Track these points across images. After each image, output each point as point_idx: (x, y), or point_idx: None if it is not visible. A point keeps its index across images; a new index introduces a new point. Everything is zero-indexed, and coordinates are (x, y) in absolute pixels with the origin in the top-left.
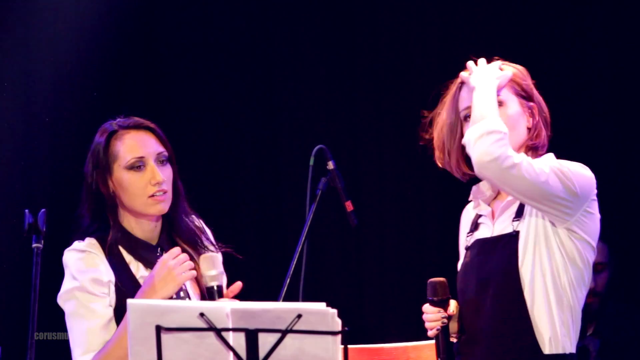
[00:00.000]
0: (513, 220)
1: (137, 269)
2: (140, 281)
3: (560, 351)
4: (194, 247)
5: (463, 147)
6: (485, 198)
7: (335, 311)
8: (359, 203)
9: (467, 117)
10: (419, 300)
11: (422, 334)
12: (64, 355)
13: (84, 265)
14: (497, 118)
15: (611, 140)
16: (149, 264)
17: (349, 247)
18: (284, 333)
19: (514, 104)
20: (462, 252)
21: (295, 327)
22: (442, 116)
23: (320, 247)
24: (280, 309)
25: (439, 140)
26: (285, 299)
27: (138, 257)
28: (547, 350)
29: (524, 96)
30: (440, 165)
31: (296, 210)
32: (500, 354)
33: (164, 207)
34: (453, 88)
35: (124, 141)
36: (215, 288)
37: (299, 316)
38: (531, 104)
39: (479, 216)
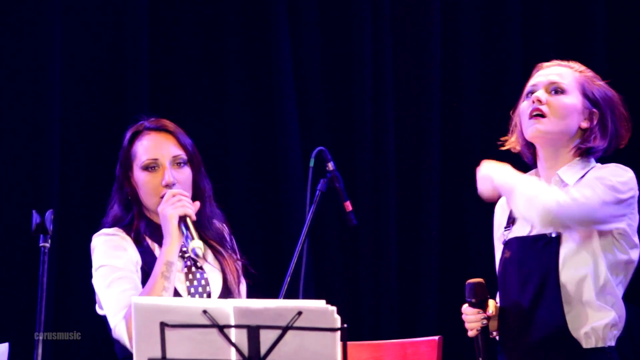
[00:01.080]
0: None
1: (158, 252)
2: None
3: (599, 345)
4: (221, 244)
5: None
6: None
7: (334, 308)
8: (358, 203)
9: (527, 94)
10: (417, 297)
11: (418, 331)
12: (72, 355)
13: (113, 247)
14: (521, 178)
15: None
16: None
17: (348, 246)
18: (285, 330)
19: (574, 98)
20: (499, 247)
21: (296, 324)
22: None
23: (319, 247)
24: (281, 307)
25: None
26: (286, 297)
27: (157, 240)
28: (585, 344)
29: (589, 98)
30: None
31: (296, 210)
32: (542, 349)
33: None
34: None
35: (143, 142)
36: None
37: (299, 313)
38: (594, 109)
39: None
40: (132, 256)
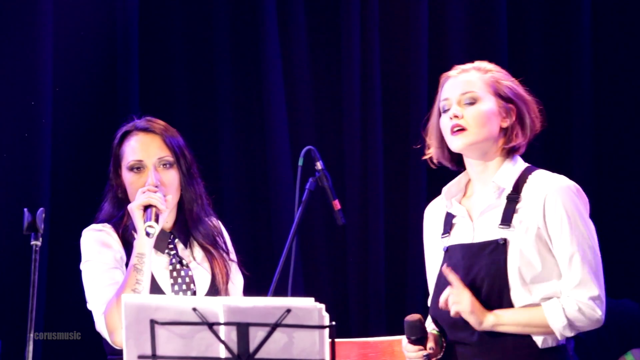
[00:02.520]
0: (500, 227)
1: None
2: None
3: (553, 344)
4: (214, 245)
5: (440, 134)
6: (457, 198)
7: (322, 306)
8: (346, 202)
9: (444, 109)
10: (404, 295)
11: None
12: (64, 355)
13: (98, 242)
14: (539, 313)
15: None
16: (160, 249)
17: (336, 244)
18: (274, 327)
19: (489, 102)
20: (436, 253)
21: (285, 322)
22: (433, 110)
23: (308, 245)
24: (270, 304)
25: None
26: (275, 295)
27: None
28: (541, 344)
29: (503, 97)
30: (435, 160)
31: (285, 209)
32: (499, 352)
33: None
34: (441, 79)
35: (130, 142)
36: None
37: (288, 311)
38: (509, 105)
39: (451, 216)
40: (116, 252)
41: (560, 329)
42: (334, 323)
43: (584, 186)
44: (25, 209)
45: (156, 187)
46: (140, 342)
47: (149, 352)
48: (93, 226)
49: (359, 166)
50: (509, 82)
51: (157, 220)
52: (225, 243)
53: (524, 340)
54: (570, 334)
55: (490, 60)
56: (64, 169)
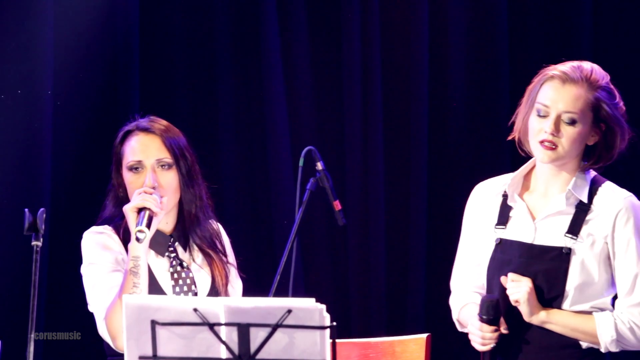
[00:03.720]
0: (567, 235)
1: (149, 254)
2: (150, 264)
3: (595, 345)
4: (212, 248)
5: (524, 129)
6: (517, 191)
7: (323, 307)
8: (347, 203)
9: (539, 111)
10: (405, 296)
11: (407, 329)
12: (64, 355)
13: (98, 245)
14: (590, 321)
15: None
16: (160, 251)
17: (337, 245)
18: (275, 328)
19: (585, 125)
20: (486, 240)
21: (285, 322)
22: (527, 91)
23: (309, 245)
24: (270, 305)
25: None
26: (276, 295)
27: (149, 245)
28: (584, 345)
29: (598, 117)
30: (515, 136)
31: (286, 209)
32: (543, 351)
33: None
34: (545, 72)
35: (130, 142)
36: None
37: (289, 311)
38: (601, 124)
39: (509, 208)
40: (117, 254)
41: (608, 342)
42: (334, 323)
43: None
44: (26, 210)
45: (153, 188)
46: (141, 343)
47: (149, 352)
48: (93, 228)
49: (360, 166)
50: (611, 104)
51: (149, 224)
52: (223, 247)
53: (569, 339)
54: (615, 349)
55: (490, 60)
56: (64, 170)
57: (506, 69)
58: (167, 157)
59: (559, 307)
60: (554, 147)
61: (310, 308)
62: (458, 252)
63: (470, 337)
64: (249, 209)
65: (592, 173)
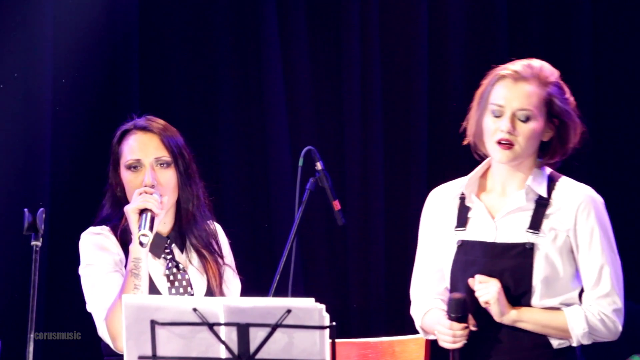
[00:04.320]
0: (528, 231)
1: (145, 257)
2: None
3: (567, 345)
4: (206, 248)
5: (479, 131)
6: (474, 191)
7: (323, 306)
8: (346, 203)
9: (494, 111)
10: (404, 296)
11: (406, 329)
12: (64, 355)
13: (96, 246)
14: (561, 316)
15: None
16: (157, 252)
17: (336, 244)
18: (274, 327)
19: (540, 120)
20: (446, 244)
21: (285, 322)
22: (476, 95)
23: (308, 245)
24: (270, 305)
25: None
26: (275, 295)
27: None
28: (555, 345)
29: (552, 112)
30: (468, 140)
31: (285, 209)
32: (510, 349)
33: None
34: (495, 73)
35: (128, 141)
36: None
37: (289, 311)
38: (554, 119)
39: (467, 209)
40: (114, 255)
41: (580, 336)
42: (334, 323)
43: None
44: (26, 209)
45: (152, 187)
46: (140, 343)
47: (149, 352)
48: (91, 229)
49: (359, 166)
50: (562, 98)
51: (152, 226)
52: (220, 247)
53: (540, 338)
54: (587, 341)
55: (490, 60)
56: (64, 170)
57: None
58: (165, 156)
59: (528, 304)
60: (510, 145)
61: (310, 308)
62: (416, 260)
63: (439, 336)
64: (249, 208)
65: (548, 170)
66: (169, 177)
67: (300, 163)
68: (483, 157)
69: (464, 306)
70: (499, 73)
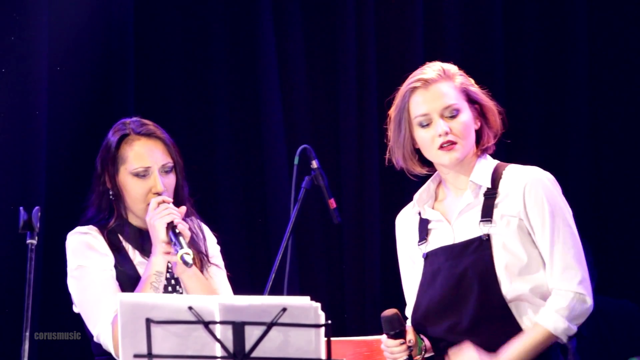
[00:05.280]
0: (481, 223)
1: (134, 255)
2: (138, 267)
3: (556, 342)
4: (196, 247)
5: (412, 146)
6: (429, 203)
7: (318, 305)
8: (342, 201)
9: (422, 123)
10: (400, 294)
11: None
12: (64, 355)
13: (86, 246)
14: (540, 330)
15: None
16: (146, 251)
17: (331, 243)
18: (270, 326)
19: (466, 110)
20: (414, 261)
21: (280, 320)
22: (392, 118)
23: (304, 244)
24: (265, 303)
25: (391, 141)
26: (271, 293)
27: (135, 245)
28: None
29: (471, 100)
30: (396, 165)
31: (281, 207)
32: (487, 351)
33: None
34: (403, 90)
35: (134, 148)
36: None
37: (284, 310)
38: (476, 106)
39: (426, 222)
40: (104, 256)
41: (565, 331)
42: (329, 322)
43: (581, 186)
44: (21, 208)
45: (159, 193)
46: (136, 341)
47: (144, 351)
48: (78, 229)
49: (355, 165)
50: (471, 84)
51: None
52: (206, 247)
53: (514, 335)
54: (573, 330)
55: (486, 59)
56: (59, 168)
57: (501, 68)
58: (170, 162)
59: (500, 297)
60: (453, 144)
61: (305, 306)
62: (402, 284)
63: (385, 354)
64: (244, 207)
65: (494, 161)
66: (172, 181)
67: (296, 161)
68: (421, 180)
69: (398, 322)
70: (408, 87)
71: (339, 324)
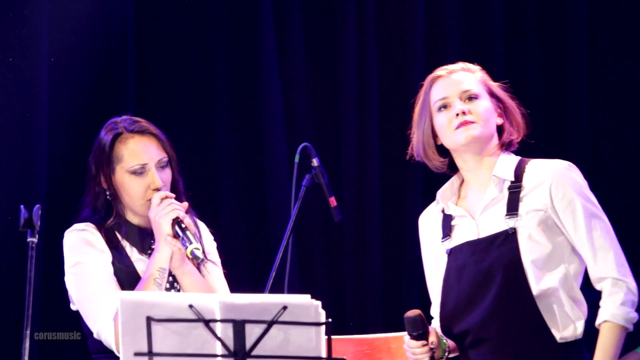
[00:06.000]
0: (506, 218)
1: (132, 252)
2: (135, 264)
3: (571, 339)
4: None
5: (434, 138)
6: (453, 200)
7: (319, 303)
8: (343, 199)
9: (440, 108)
10: (400, 292)
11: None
12: (64, 355)
13: (84, 242)
14: (612, 329)
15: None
16: (144, 249)
17: (332, 241)
18: (270, 324)
19: (486, 100)
20: (439, 258)
21: (281, 319)
22: (416, 111)
23: (304, 242)
24: (266, 301)
25: (414, 133)
26: (271, 292)
27: (133, 242)
28: (559, 336)
29: (494, 96)
30: (416, 157)
31: (281, 205)
32: (513, 346)
33: None
34: (426, 83)
35: (128, 146)
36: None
37: (285, 308)
38: (500, 104)
39: (449, 219)
40: (102, 253)
41: (633, 319)
42: (330, 320)
43: None
44: (22, 206)
45: (158, 189)
46: (136, 339)
47: (145, 349)
48: (75, 226)
49: (355, 163)
50: (494, 83)
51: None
52: (202, 243)
53: (542, 335)
54: (637, 316)
55: (486, 61)
56: (60, 166)
57: (502, 67)
58: (165, 157)
59: (527, 290)
60: (470, 122)
61: (306, 304)
62: (427, 284)
63: (407, 354)
64: (245, 205)
65: (515, 156)
66: (168, 176)
67: (297, 159)
68: (444, 174)
69: (421, 323)
70: (431, 77)
71: (340, 322)
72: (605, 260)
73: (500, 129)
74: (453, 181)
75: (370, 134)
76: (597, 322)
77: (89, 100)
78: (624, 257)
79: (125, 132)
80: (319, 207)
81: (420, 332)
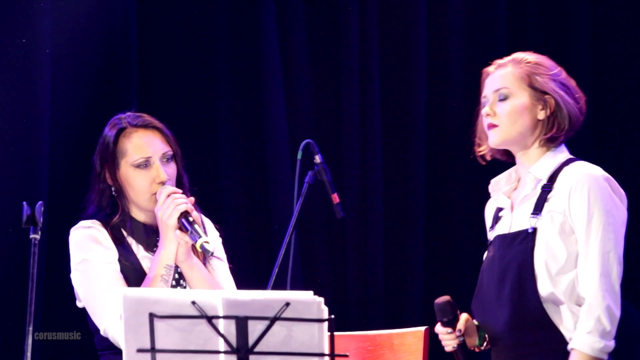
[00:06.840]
0: (531, 216)
1: (138, 249)
2: (141, 261)
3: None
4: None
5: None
6: (505, 191)
7: (321, 299)
8: (345, 196)
9: (482, 105)
10: (403, 289)
11: (405, 322)
12: (64, 355)
13: (90, 239)
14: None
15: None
16: (150, 246)
17: (335, 238)
18: (273, 320)
19: (522, 97)
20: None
21: (284, 315)
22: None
23: (307, 238)
24: (269, 298)
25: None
26: (274, 288)
27: (139, 239)
28: (569, 336)
29: (537, 88)
30: (488, 157)
31: (284, 202)
32: (527, 345)
33: None
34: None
35: (132, 140)
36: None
37: (287, 304)
38: (545, 96)
39: (499, 209)
40: (109, 250)
41: (603, 349)
42: (333, 316)
43: None
44: (24, 202)
45: (164, 183)
46: (139, 336)
47: (147, 345)
48: (81, 223)
49: (358, 159)
50: (545, 73)
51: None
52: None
53: (552, 335)
54: (611, 345)
55: (489, 57)
56: (62, 163)
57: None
58: (170, 150)
59: (534, 293)
60: (494, 126)
61: (309, 301)
62: None
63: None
64: (248, 202)
65: (566, 154)
66: (173, 170)
67: (299, 156)
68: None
69: (450, 309)
70: (482, 73)
71: (343, 318)
72: (589, 281)
73: (544, 123)
74: (511, 171)
75: (372, 130)
76: (568, 347)
77: (92, 98)
78: (617, 280)
79: (129, 126)
80: (322, 204)
81: (449, 318)
